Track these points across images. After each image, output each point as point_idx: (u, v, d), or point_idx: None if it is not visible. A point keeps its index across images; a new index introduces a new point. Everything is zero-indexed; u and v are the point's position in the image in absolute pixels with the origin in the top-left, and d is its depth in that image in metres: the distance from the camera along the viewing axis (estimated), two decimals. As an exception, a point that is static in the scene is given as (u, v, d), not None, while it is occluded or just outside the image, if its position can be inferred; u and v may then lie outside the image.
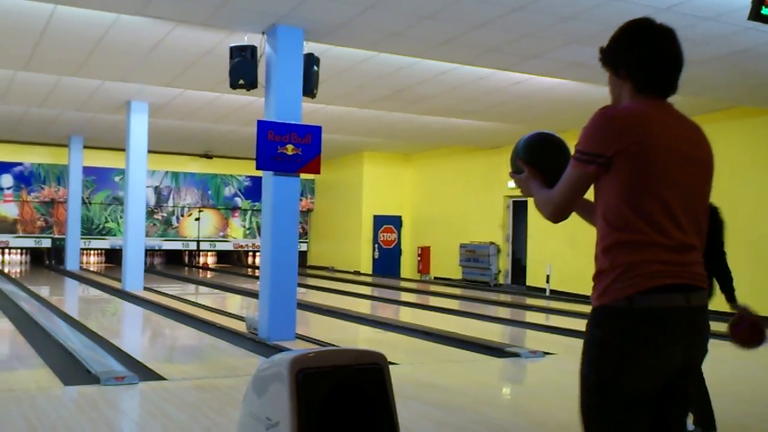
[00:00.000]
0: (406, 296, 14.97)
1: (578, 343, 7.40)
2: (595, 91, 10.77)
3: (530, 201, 13.88)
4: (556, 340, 8.89)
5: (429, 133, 16.16)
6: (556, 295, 14.98)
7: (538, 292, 15.73)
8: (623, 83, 2.32)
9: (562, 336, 9.22)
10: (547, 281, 15.61)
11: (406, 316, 11.64)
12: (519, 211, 17.19)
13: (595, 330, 2.20)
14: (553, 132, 2.58)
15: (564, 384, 6.29)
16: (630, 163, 2.11)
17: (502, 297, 15.15)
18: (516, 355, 7.42)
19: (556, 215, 2.29)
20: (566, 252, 15.14)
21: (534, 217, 16.43)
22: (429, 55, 9.03)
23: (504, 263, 17.59)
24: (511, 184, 16.99)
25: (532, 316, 11.58)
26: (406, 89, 11.25)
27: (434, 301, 13.84)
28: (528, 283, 16.57)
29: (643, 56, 2.25)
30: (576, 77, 9.88)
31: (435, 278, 19.35)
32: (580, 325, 10.47)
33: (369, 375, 2.81)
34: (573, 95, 11.24)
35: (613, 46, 2.35)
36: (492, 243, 17.53)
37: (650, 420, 2.18)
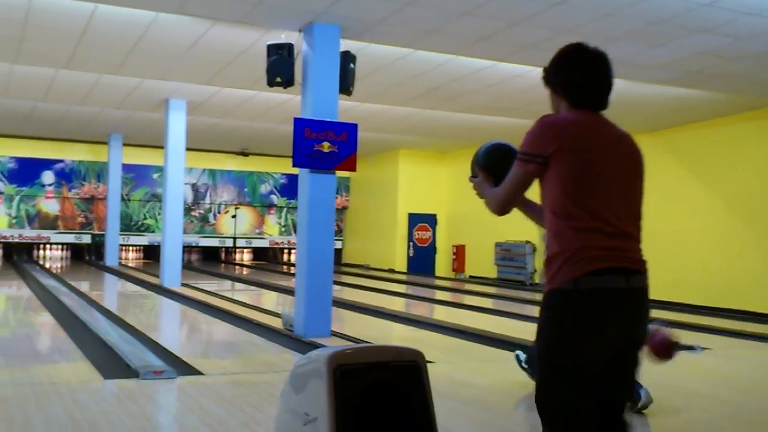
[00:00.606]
0: (440, 294, 14.94)
1: (617, 343, 7.08)
2: (632, 89, 10.64)
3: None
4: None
5: (464, 131, 16.10)
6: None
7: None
8: (560, 99, 2.62)
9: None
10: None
11: (441, 314, 11.61)
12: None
13: (546, 312, 2.46)
14: (509, 142, 2.83)
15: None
16: (566, 160, 2.43)
17: (538, 296, 14.99)
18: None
19: (500, 208, 2.65)
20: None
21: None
22: (466, 52, 8.99)
23: (540, 262, 17.45)
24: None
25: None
26: (441, 86, 11.22)
27: (469, 299, 13.80)
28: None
29: (575, 78, 2.57)
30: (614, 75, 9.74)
31: (470, 277, 19.28)
32: (618, 324, 10.23)
33: (407, 372, 2.81)
34: (611, 92, 11.11)
35: (552, 67, 2.64)
36: (528, 242, 17.41)
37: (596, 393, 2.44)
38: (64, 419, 4.41)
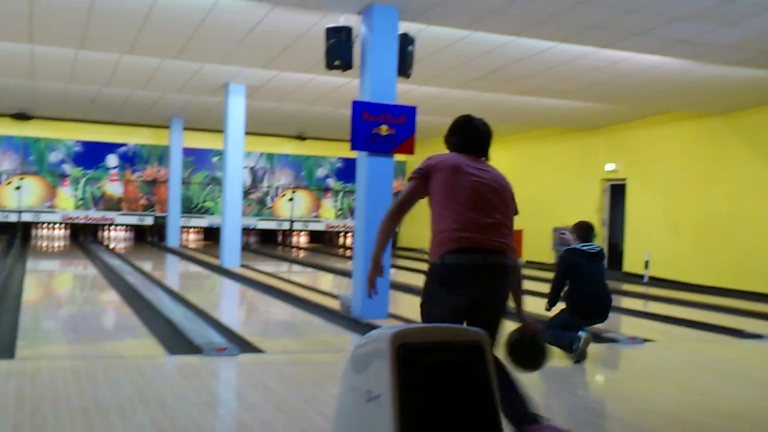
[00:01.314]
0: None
1: (681, 331, 7.27)
2: (699, 70, 10.39)
3: (629, 184, 13.45)
4: (655, 327, 8.67)
5: (522, 114, 15.93)
6: (656, 281, 14.58)
7: (636, 278, 15.34)
8: (450, 150, 3.83)
9: (662, 323, 8.98)
10: (646, 267, 15.20)
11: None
12: (617, 195, 16.76)
13: (426, 279, 3.60)
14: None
15: (666, 371, 6.13)
16: (438, 178, 3.57)
17: (597, 282, 14.81)
18: (614, 340, 7.28)
19: (393, 210, 3.65)
20: (668, 238, 14.70)
21: (633, 201, 16.01)
22: (527, 33, 8.88)
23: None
24: (609, 166, 16.71)
25: (629, 303, 11.30)
26: (500, 69, 11.11)
27: (525, 284, 13.68)
28: (625, 269, 16.17)
29: (458, 139, 3.84)
30: (680, 55, 9.51)
31: (527, 262, 19.13)
32: (682, 312, 10.22)
33: (470, 352, 2.81)
34: (676, 74, 10.85)
35: (449, 131, 3.91)
36: (587, 227, 17.14)
37: None
38: (131, 392, 4.54)
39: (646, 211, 15.60)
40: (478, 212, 3.47)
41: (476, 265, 3.40)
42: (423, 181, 3.61)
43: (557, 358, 6.23)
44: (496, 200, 3.56)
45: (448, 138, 3.88)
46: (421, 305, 3.60)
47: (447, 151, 3.84)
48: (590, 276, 6.26)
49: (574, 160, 17.86)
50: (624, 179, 16.37)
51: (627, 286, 13.82)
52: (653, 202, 15.39)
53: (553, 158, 18.68)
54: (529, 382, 5.49)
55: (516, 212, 3.71)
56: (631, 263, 16.01)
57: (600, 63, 10.55)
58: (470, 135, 3.83)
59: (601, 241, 17.19)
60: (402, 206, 3.64)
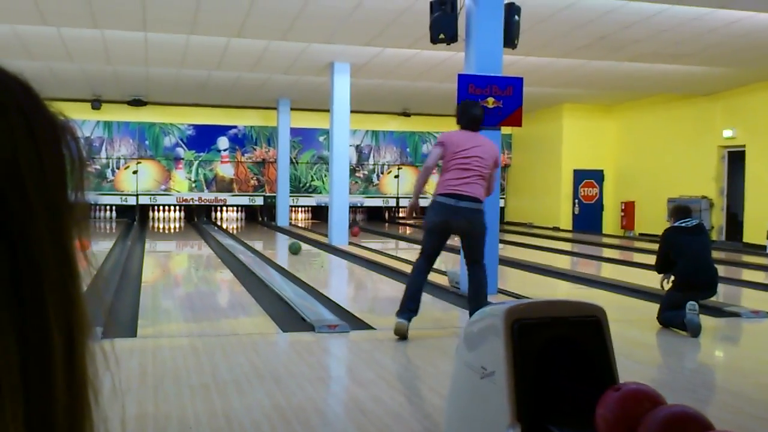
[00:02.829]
0: (608, 252, 14.46)
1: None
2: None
3: (748, 151, 12.83)
4: (780, 300, 8.22)
5: (633, 82, 15.35)
6: (779, 252, 13.84)
7: (757, 249, 14.60)
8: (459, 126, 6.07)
9: (787, 296, 8.52)
10: (768, 238, 14.45)
11: (609, 272, 11.25)
12: (735, 162, 15.96)
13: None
14: None
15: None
16: (447, 145, 5.85)
17: (716, 254, 14.19)
18: (736, 314, 6.95)
19: (423, 168, 6.11)
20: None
21: (753, 169, 15.21)
22: (637, -4, 8.52)
23: (718, 218, 16.48)
24: (727, 133, 15.91)
25: (750, 275, 10.77)
26: (610, 35, 10.71)
27: (639, 257, 13.25)
28: (745, 240, 15.42)
29: (462, 120, 6.03)
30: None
31: (640, 234, 18.53)
32: (810, 284, 9.50)
33: (586, 327, 2.72)
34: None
35: (457, 113, 6.17)
36: (704, 197, 16.45)
37: (443, 241, 5.98)
38: (247, 368, 4.66)
39: (767, 179, 14.79)
40: (466, 170, 5.76)
41: (452, 205, 5.75)
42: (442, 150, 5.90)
43: (676, 337, 6.00)
44: (482, 162, 5.81)
45: (458, 117, 6.12)
46: (423, 226, 6.18)
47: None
48: (690, 250, 6.23)
49: (688, 128, 17.11)
50: (743, 146, 15.56)
51: (748, 258, 13.17)
52: (777, 170, 14.59)
53: (666, 126, 17.95)
54: (650, 360, 5.32)
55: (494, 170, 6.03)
56: (751, 234, 15.24)
57: (716, 24, 10.01)
58: (469, 117, 6.01)
59: (719, 211, 16.46)
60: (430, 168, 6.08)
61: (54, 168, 0.47)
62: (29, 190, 0.44)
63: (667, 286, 6.38)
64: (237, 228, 19.46)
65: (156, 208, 21.17)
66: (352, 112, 14.95)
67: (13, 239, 0.44)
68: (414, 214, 6.28)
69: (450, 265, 10.60)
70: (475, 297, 5.83)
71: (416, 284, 5.81)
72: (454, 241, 6.24)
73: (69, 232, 0.47)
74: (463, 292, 7.94)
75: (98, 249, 12.41)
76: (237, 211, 22.02)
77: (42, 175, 0.46)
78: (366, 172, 22.54)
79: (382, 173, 22.71)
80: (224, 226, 19.63)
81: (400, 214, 23.46)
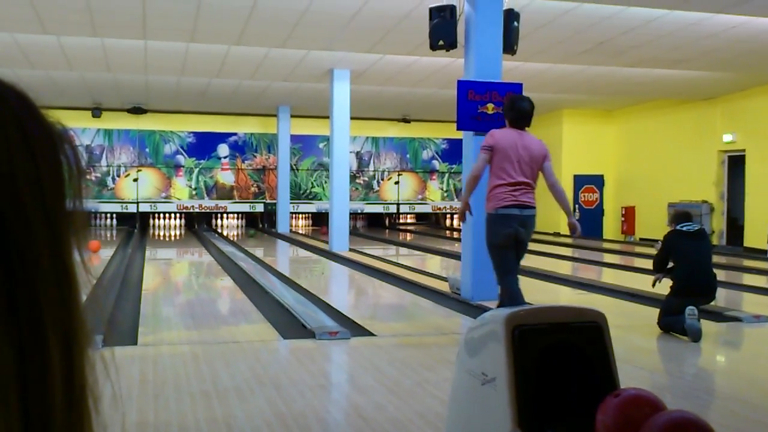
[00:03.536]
0: (609, 257, 14.46)
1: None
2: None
3: (748, 156, 12.88)
4: (781, 304, 8.21)
5: (633, 87, 15.37)
6: (780, 256, 13.83)
7: (758, 253, 14.59)
8: (506, 121, 5.85)
9: (788, 300, 8.51)
10: (769, 242, 14.43)
11: (610, 277, 11.24)
12: (735, 166, 15.96)
13: (486, 223, 5.80)
14: None
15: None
16: (496, 150, 5.61)
17: (716, 258, 14.18)
18: (737, 319, 6.94)
19: (471, 175, 5.79)
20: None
21: (754, 173, 15.21)
22: (637, 1, 8.53)
23: (718, 223, 16.47)
24: (727, 137, 15.88)
25: (751, 279, 10.77)
26: (609, 41, 10.73)
27: (640, 262, 13.24)
28: (746, 244, 15.41)
29: (511, 113, 5.81)
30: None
31: (640, 239, 18.53)
32: (811, 288, 9.47)
33: (587, 333, 2.72)
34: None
35: (504, 106, 6.13)
36: (705, 201, 16.45)
37: (514, 254, 5.75)
38: (248, 375, 4.65)
39: (767, 183, 14.81)
40: (520, 173, 5.67)
41: (516, 215, 5.71)
42: (490, 153, 5.71)
43: (677, 342, 5.99)
44: (533, 163, 5.72)
45: (504, 112, 6.02)
46: (486, 240, 6.02)
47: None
48: (690, 255, 6.26)
49: (688, 132, 17.12)
50: (743, 150, 15.56)
51: (748, 262, 13.16)
52: (777, 174, 14.58)
53: (665, 131, 17.96)
54: (651, 365, 5.31)
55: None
56: (752, 238, 15.23)
57: (715, 29, 10.03)
58: (518, 112, 5.77)
59: (719, 215, 16.45)
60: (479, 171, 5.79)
61: (51, 178, 0.47)
62: (27, 203, 0.44)
63: (659, 285, 6.44)
64: (237, 235, 19.42)
65: (156, 215, 21.17)
66: (352, 118, 14.97)
67: (10, 252, 0.43)
68: (465, 219, 6.07)
69: (451, 271, 10.60)
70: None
71: (519, 301, 5.82)
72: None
73: (67, 242, 0.47)
74: (464, 298, 7.94)
75: (99, 257, 12.41)
76: (237, 218, 22.02)
77: (39, 186, 0.45)
78: (366, 179, 22.55)
79: (383, 179, 22.72)
80: (225, 233, 19.61)
81: (401, 220, 23.49)
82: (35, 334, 0.44)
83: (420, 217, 23.73)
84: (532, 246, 18.21)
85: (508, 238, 5.63)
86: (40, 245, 0.45)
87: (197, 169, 21.13)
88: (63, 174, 0.48)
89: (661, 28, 10.02)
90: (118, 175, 20.58)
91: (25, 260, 0.44)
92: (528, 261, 13.10)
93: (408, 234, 20.99)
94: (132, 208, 20.70)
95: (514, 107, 5.79)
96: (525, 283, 10.55)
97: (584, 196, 20.11)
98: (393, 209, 22.90)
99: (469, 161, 8.06)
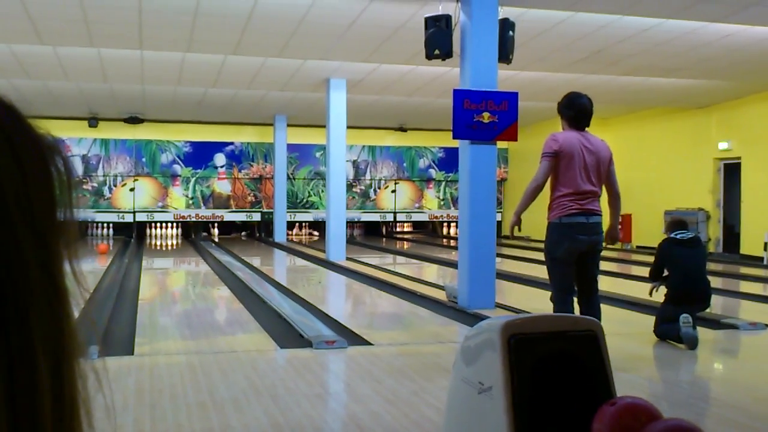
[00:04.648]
0: (606, 265, 14.43)
1: (810, 314, 6.59)
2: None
3: (744, 163, 12.89)
4: (777, 311, 8.22)
5: (628, 95, 15.41)
6: (776, 264, 13.85)
7: (754, 261, 14.62)
8: (563, 122, 5.33)
9: (784, 307, 8.52)
10: (765, 249, 14.46)
11: (608, 285, 11.22)
12: (731, 174, 16.00)
13: (547, 233, 5.26)
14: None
15: (791, 358, 5.80)
16: (561, 156, 5.10)
17: (713, 266, 14.20)
18: (734, 326, 6.95)
19: (535, 185, 5.21)
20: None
21: (749, 181, 15.25)
22: (632, 10, 8.57)
23: (715, 230, 16.50)
24: (723, 145, 15.90)
25: (747, 287, 10.79)
26: (604, 49, 10.77)
27: (637, 270, 13.26)
28: (742, 252, 15.44)
29: (570, 112, 5.28)
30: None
31: (637, 247, 18.55)
32: (808, 296, 9.49)
33: (583, 342, 2.73)
34: (794, 45, 10.25)
35: (560, 104, 5.41)
36: (701, 209, 16.48)
37: (573, 271, 5.15)
38: (245, 385, 4.65)
39: (763, 191, 14.83)
40: (586, 181, 5.18)
41: (583, 223, 5.22)
42: (553, 160, 5.17)
43: (673, 350, 6.00)
44: (599, 169, 5.24)
45: (561, 111, 5.38)
46: (545, 251, 5.45)
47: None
48: (684, 262, 6.29)
49: (684, 140, 17.16)
50: (739, 158, 15.60)
51: (745, 270, 13.18)
52: (772, 181, 14.62)
53: (661, 139, 18.01)
54: (647, 373, 5.31)
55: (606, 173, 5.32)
56: (749, 245, 15.26)
57: (710, 38, 10.08)
58: (578, 111, 5.27)
59: (715, 223, 16.48)
60: (543, 180, 5.24)
61: (40, 191, 0.46)
62: (14, 216, 0.44)
63: (656, 293, 6.48)
64: (234, 244, 19.38)
65: (153, 225, 21.15)
66: (348, 127, 14.99)
67: None
68: (514, 233, 5.52)
69: (448, 279, 10.60)
70: None
71: None
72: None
73: (57, 254, 0.47)
74: (461, 307, 7.94)
75: (95, 267, 12.39)
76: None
77: (28, 199, 0.45)
78: (363, 188, 22.56)
79: (379, 188, 22.72)
80: (222, 243, 19.59)
81: (398, 229, 23.49)
82: (24, 350, 0.43)
83: (417, 226, 23.73)
84: (527, 254, 18.25)
85: (571, 254, 5.07)
86: (28, 258, 0.44)
87: (194, 178, 21.13)
88: (53, 186, 0.47)
89: (656, 37, 10.06)
90: (115, 185, 20.56)
91: (13, 274, 0.43)
92: (525, 269, 13.19)
93: (405, 243, 20.99)
94: (129, 218, 20.67)
95: (572, 104, 5.20)
96: (522, 291, 10.64)
97: (581, 204, 20.08)
98: (390, 218, 22.90)
99: (466, 170, 8.08)
